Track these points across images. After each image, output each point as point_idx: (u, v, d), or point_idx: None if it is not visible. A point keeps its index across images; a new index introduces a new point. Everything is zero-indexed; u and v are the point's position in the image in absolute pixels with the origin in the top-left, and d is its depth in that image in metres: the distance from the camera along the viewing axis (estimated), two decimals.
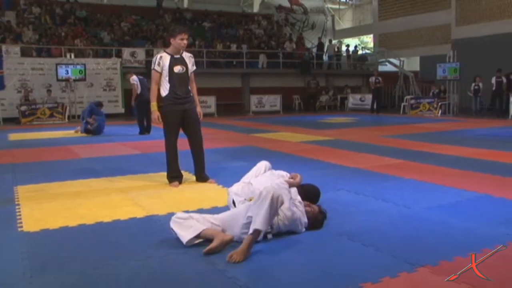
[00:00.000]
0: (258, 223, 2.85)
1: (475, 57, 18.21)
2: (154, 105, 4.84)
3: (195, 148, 5.06)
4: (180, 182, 5.00)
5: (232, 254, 2.75)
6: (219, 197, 4.30)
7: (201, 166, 5.09)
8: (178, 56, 4.86)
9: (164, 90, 4.83)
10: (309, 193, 3.63)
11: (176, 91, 4.81)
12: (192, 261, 2.80)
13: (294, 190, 3.42)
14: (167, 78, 4.79)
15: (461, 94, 17.42)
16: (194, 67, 5.05)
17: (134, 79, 10.54)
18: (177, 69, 4.81)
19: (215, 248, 2.86)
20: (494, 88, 15.77)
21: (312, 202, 3.51)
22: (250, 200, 3.26)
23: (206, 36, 21.54)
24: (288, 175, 3.57)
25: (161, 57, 4.81)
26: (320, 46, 24.19)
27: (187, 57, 4.95)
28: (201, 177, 5.10)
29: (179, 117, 4.89)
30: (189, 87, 4.98)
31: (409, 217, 3.67)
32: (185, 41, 4.79)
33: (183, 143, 5.13)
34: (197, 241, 3.00)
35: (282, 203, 2.97)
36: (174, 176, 5.00)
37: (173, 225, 3.10)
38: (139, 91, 10.42)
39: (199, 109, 5.07)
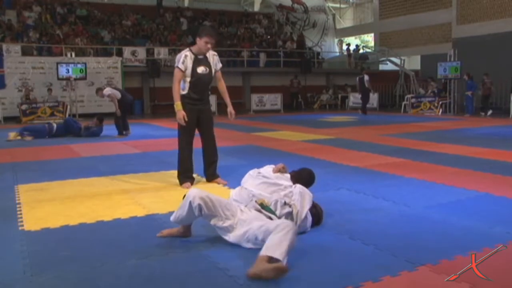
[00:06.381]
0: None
1: (476, 56, 18.17)
2: (178, 105, 4.66)
3: (208, 147, 5.03)
4: (192, 183, 4.90)
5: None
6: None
7: (212, 166, 5.05)
8: (201, 56, 4.75)
9: (183, 89, 4.76)
10: (306, 179, 3.62)
11: (194, 92, 4.75)
12: (192, 260, 2.81)
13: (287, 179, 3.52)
14: (188, 79, 4.71)
15: (462, 93, 17.37)
16: (220, 65, 4.92)
17: None
18: (201, 69, 4.74)
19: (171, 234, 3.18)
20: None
21: (307, 186, 3.51)
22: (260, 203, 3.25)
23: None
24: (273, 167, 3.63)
25: (186, 56, 4.69)
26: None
27: (211, 55, 4.82)
28: (211, 176, 5.05)
29: (195, 116, 4.82)
30: (209, 90, 4.94)
31: (409, 216, 3.68)
32: (209, 46, 4.66)
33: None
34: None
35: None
36: (187, 176, 4.90)
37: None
38: None
39: (230, 109, 5.03)
